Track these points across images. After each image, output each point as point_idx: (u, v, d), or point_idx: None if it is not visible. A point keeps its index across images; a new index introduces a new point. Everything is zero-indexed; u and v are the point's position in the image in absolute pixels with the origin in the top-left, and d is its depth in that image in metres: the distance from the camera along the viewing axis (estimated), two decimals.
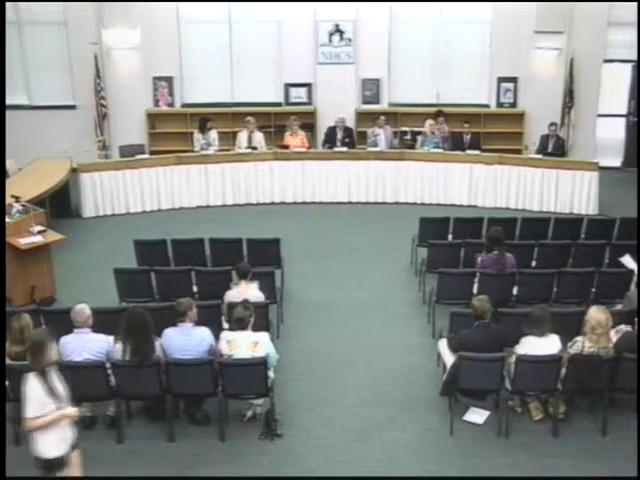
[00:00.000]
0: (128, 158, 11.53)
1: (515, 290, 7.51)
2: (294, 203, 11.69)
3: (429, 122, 12.12)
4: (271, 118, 13.13)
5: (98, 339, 5.96)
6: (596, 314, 5.87)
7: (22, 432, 4.78)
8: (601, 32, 12.85)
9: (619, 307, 6.94)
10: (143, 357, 5.77)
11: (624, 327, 6.20)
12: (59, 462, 4.63)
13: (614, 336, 6.03)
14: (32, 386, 4.54)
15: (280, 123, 12.86)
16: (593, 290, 7.53)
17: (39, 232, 8.30)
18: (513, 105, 13.43)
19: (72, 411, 4.66)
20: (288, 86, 13.36)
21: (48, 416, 4.52)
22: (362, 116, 13.14)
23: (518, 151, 12.78)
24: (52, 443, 4.59)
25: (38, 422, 4.51)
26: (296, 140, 11.93)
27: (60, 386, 4.66)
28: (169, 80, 13.31)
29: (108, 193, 11.26)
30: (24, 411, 4.53)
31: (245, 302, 6.09)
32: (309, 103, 13.38)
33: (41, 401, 4.51)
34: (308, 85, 13.31)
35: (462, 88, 13.45)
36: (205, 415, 6.09)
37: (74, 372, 5.81)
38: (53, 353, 4.72)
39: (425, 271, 8.41)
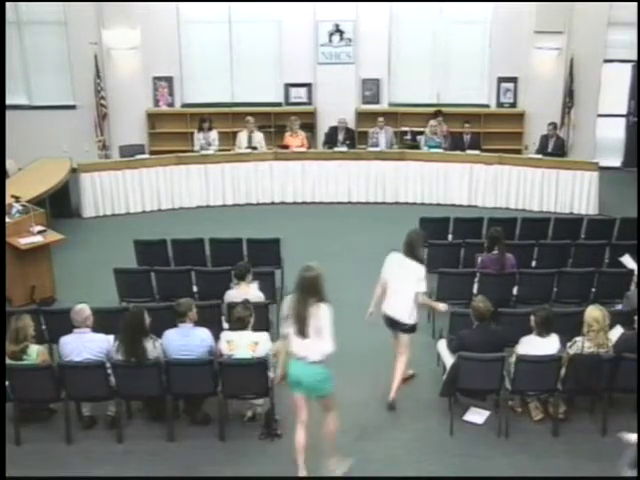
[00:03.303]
0: (128, 158, 11.52)
1: (515, 290, 7.51)
2: (294, 203, 11.68)
3: (431, 123, 12.10)
4: (271, 118, 13.12)
5: (98, 339, 5.96)
6: (592, 312, 5.90)
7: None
8: (601, 32, 12.84)
9: (619, 307, 6.94)
10: (135, 357, 5.77)
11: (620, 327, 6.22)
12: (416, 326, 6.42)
13: (613, 336, 6.04)
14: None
15: (280, 123, 12.85)
16: (593, 290, 7.53)
17: (39, 232, 8.29)
18: (513, 105, 13.42)
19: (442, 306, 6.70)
20: (288, 86, 13.36)
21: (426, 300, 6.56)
22: (362, 116, 13.13)
23: (518, 151, 12.79)
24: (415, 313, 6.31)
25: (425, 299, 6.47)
26: (296, 140, 11.92)
27: None
28: (169, 80, 13.30)
29: (108, 193, 11.25)
30: (420, 288, 6.27)
31: (245, 302, 6.08)
32: (309, 103, 13.37)
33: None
34: (308, 85, 13.31)
35: (462, 88, 13.44)
36: (205, 415, 6.09)
37: (74, 372, 5.83)
38: None
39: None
